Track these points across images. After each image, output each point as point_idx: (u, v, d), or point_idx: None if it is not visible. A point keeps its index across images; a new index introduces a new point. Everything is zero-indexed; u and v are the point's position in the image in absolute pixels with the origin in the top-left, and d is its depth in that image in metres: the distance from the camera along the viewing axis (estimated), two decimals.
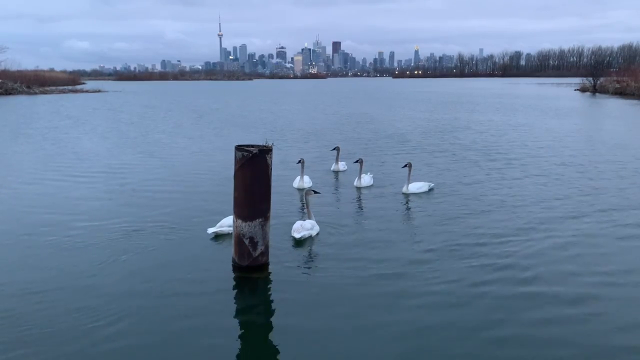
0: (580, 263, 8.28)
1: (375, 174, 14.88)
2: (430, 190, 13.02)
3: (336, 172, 15.70)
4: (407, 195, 12.72)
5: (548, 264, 8.22)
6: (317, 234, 9.75)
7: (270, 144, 8.01)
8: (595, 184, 13.89)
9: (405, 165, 13.18)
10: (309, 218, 9.97)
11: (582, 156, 18.63)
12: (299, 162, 13.72)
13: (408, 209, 11.65)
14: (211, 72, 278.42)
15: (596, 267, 8.14)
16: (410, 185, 12.87)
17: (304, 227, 9.62)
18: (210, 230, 9.58)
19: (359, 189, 13.48)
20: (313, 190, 10.36)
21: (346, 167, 16.01)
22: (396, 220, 10.72)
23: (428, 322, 6.35)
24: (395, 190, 13.21)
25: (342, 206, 11.91)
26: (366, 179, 13.75)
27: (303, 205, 11.90)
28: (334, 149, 16.16)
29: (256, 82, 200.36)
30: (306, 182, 13.48)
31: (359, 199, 12.59)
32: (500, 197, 12.54)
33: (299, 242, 9.24)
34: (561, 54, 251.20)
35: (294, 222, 9.86)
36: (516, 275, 7.76)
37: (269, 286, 7.53)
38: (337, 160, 15.96)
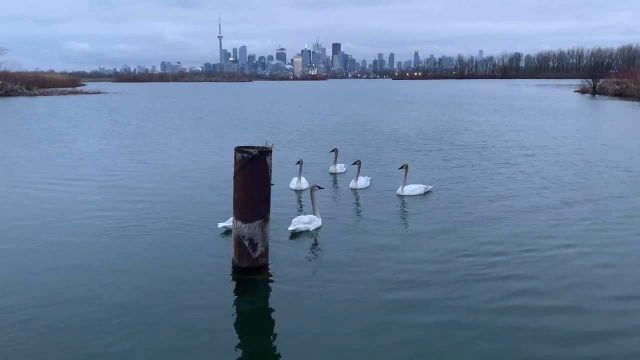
0: (580, 268, 8.30)
1: (374, 175, 14.88)
2: (427, 193, 13.00)
3: (334, 174, 15.68)
4: (402, 197, 12.71)
5: (542, 266, 8.23)
6: (318, 228, 10.03)
7: (270, 145, 8.01)
8: (591, 185, 13.91)
9: (401, 167, 13.16)
10: (314, 213, 10.26)
11: (580, 159, 18.63)
12: (298, 163, 13.71)
13: (402, 211, 11.62)
14: (211, 74, 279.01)
15: (594, 271, 8.18)
16: (405, 188, 12.84)
17: (300, 221, 9.90)
18: (221, 224, 9.74)
19: (355, 190, 13.47)
20: (317, 186, 10.63)
21: (345, 169, 15.98)
22: (392, 222, 10.70)
23: (427, 324, 6.34)
24: (392, 192, 13.19)
25: (339, 208, 11.88)
26: (362, 181, 13.72)
27: (302, 206, 11.99)
28: (332, 151, 16.15)
29: (256, 83, 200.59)
30: (303, 183, 13.49)
31: (356, 201, 12.57)
32: (497, 199, 12.54)
33: (298, 245, 9.26)
34: (561, 56, 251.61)
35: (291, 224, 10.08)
36: (513, 277, 7.77)
37: (268, 288, 7.52)
38: (335, 163, 15.94)
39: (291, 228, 9.79)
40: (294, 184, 13.64)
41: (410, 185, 12.96)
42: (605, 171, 16.01)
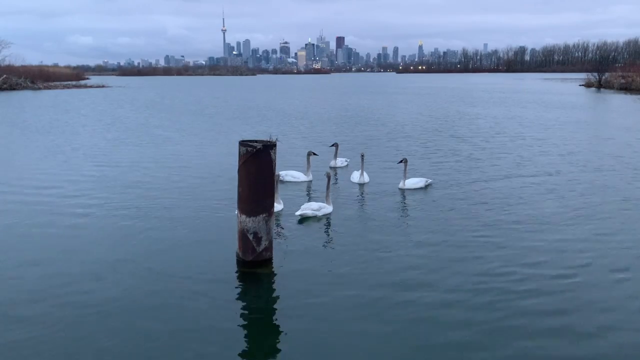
0: (582, 263, 8.29)
1: (374, 169, 14.87)
2: (428, 186, 13.01)
3: (334, 168, 15.64)
4: (403, 190, 12.71)
5: (543, 258, 8.23)
6: (328, 214, 10.36)
7: (274, 139, 8.02)
8: (597, 181, 13.88)
9: (401, 161, 13.15)
10: (327, 198, 10.55)
11: (583, 153, 18.58)
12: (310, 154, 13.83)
13: (405, 205, 11.62)
14: (215, 68, 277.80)
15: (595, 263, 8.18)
16: (407, 181, 12.87)
17: (309, 207, 10.20)
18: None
19: (356, 184, 13.48)
20: (328, 173, 11.03)
21: (345, 163, 15.98)
22: (395, 216, 10.72)
23: (429, 321, 6.34)
24: (392, 185, 13.18)
25: (342, 202, 11.85)
26: (366, 175, 13.69)
27: (310, 195, 12.25)
28: (332, 145, 16.14)
29: (260, 77, 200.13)
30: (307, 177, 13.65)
31: (358, 195, 12.58)
32: (498, 194, 12.52)
33: (304, 237, 9.28)
34: (566, 49, 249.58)
35: (298, 218, 10.23)
36: (511, 273, 7.77)
37: (272, 281, 7.55)
38: (335, 157, 15.92)
39: (298, 212, 10.06)
40: (301, 176, 13.71)
41: (411, 179, 12.99)
42: (611, 167, 15.97)
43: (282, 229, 9.73)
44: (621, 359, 5.58)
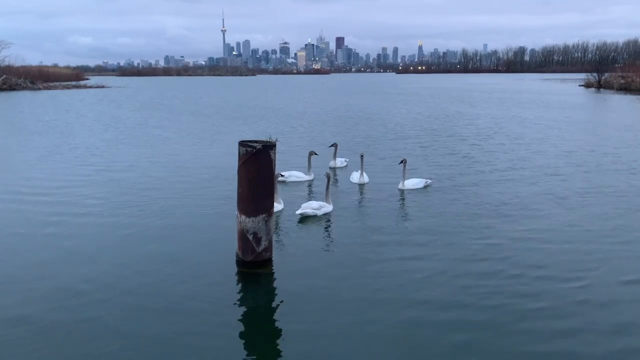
0: (581, 264, 8.30)
1: (371, 169, 14.89)
2: (427, 186, 13.04)
3: (333, 169, 15.65)
4: (402, 191, 12.74)
5: (538, 258, 8.25)
6: (328, 213, 10.47)
7: (273, 139, 8.03)
8: (597, 181, 13.89)
9: (400, 162, 13.18)
10: (326, 198, 10.64)
11: (580, 153, 18.59)
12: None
13: (405, 205, 11.64)
14: (215, 68, 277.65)
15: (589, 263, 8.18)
16: (406, 182, 12.89)
17: (309, 206, 10.27)
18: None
19: (356, 184, 13.50)
20: (328, 175, 11.09)
21: (345, 163, 15.99)
22: (395, 217, 10.73)
23: (429, 321, 6.36)
24: (392, 186, 13.20)
25: (341, 202, 11.86)
26: (365, 175, 13.70)
27: (310, 195, 12.32)
28: (331, 146, 16.15)
29: (259, 77, 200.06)
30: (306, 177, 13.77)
31: (358, 195, 12.60)
32: (497, 194, 12.53)
33: (304, 237, 9.31)
34: (565, 50, 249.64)
35: (298, 217, 10.28)
36: (508, 271, 7.79)
37: (272, 281, 7.56)
38: (334, 157, 15.93)
39: (299, 211, 10.14)
40: (302, 175, 13.81)
41: (410, 179, 13.02)
42: (610, 167, 15.99)
43: (282, 229, 9.74)
44: None
